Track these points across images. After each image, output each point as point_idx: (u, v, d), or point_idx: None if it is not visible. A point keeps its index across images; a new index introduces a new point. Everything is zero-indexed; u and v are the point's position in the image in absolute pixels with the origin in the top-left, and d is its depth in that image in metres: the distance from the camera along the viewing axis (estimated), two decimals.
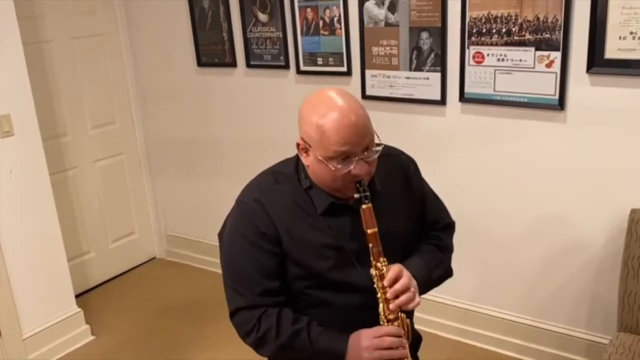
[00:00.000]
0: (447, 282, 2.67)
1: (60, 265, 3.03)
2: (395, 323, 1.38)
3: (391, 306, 1.36)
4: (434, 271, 1.54)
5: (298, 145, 1.40)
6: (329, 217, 1.43)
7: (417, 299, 1.39)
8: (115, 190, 3.73)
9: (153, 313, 3.37)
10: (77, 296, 3.25)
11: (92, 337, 3.17)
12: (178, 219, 3.91)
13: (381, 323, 1.39)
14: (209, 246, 3.70)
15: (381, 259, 1.35)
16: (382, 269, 1.35)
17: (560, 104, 2.33)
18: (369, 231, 1.34)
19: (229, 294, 1.48)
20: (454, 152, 2.67)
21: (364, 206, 1.34)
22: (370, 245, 1.35)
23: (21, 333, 2.88)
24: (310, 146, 1.36)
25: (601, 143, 2.31)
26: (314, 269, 1.43)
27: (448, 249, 1.64)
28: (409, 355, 1.38)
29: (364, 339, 1.37)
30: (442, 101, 2.61)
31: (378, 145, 1.37)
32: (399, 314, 1.38)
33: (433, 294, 2.85)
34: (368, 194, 1.34)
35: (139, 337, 3.16)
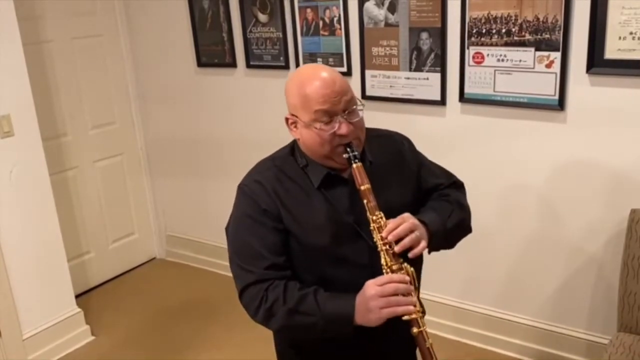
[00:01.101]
0: (447, 283, 2.67)
1: (60, 265, 3.03)
2: (400, 273, 1.38)
3: (396, 248, 1.36)
4: (447, 221, 1.52)
5: (287, 120, 1.48)
6: (326, 190, 1.48)
7: (423, 242, 1.40)
8: (115, 190, 3.73)
9: (153, 313, 3.37)
10: (77, 296, 3.25)
11: (92, 338, 3.17)
12: (178, 219, 3.91)
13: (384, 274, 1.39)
14: (209, 246, 3.70)
15: (377, 212, 1.39)
16: (380, 222, 1.38)
17: (560, 104, 2.33)
18: (362, 187, 1.40)
19: (237, 273, 1.51)
20: (453, 153, 2.67)
21: (354, 165, 1.40)
22: (365, 201, 1.39)
23: (21, 333, 2.88)
24: (296, 117, 1.44)
25: (601, 143, 2.31)
26: (315, 244, 1.46)
27: (458, 201, 1.62)
28: (417, 303, 1.37)
29: (369, 288, 1.37)
30: (442, 101, 2.61)
31: (361, 106, 1.44)
32: (403, 264, 1.38)
33: (433, 294, 2.86)
34: (356, 153, 1.41)
35: (139, 337, 3.16)
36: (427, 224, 1.44)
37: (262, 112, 3.23)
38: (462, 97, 2.55)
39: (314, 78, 1.40)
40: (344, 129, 1.39)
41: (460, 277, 2.81)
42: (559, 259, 2.54)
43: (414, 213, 1.55)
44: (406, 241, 1.37)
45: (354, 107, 1.42)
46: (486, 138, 2.57)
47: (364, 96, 2.79)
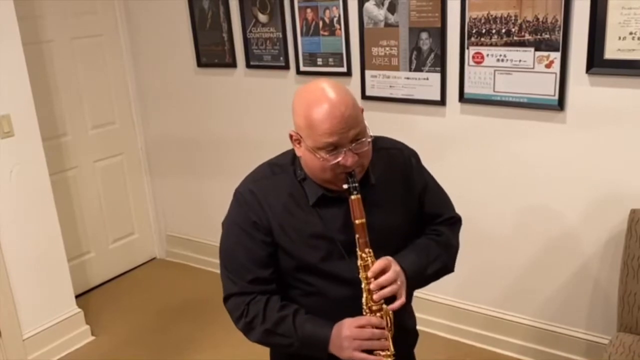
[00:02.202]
0: (446, 282, 2.67)
1: (60, 265, 3.03)
2: (378, 314, 1.38)
3: (374, 297, 1.36)
4: (429, 266, 1.51)
5: (291, 136, 1.43)
6: (321, 208, 1.45)
7: (403, 295, 1.38)
8: (115, 190, 3.73)
9: (153, 313, 3.37)
10: (77, 296, 3.25)
11: (92, 338, 3.17)
12: (178, 219, 3.91)
13: (364, 313, 1.39)
14: (209, 246, 3.70)
15: (366, 250, 1.37)
16: (367, 260, 1.37)
17: (560, 105, 2.33)
18: (357, 222, 1.36)
19: (223, 280, 1.53)
20: (453, 153, 2.67)
21: (352, 197, 1.36)
22: (357, 236, 1.37)
23: (21, 333, 2.88)
24: (301, 137, 1.39)
25: (601, 143, 2.31)
26: (304, 259, 1.45)
27: (448, 244, 1.58)
28: (390, 347, 1.38)
29: (345, 328, 1.38)
30: (442, 102, 2.61)
31: (369, 137, 1.38)
32: (383, 305, 1.38)
33: (433, 294, 2.86)
34: (357, 185, 1.36)
35: (139, 338, 3.16)
36: (405, 271, 1.42)
37: (262, 113, 3.23)
38: (462, 97, 2.55)
39: (323, 103, 1.31)
40: (349, 161, 1.33)
41: (460, 277, 2.79)
42: (559, 258, 2.54)
43: (415, 231, 1.56)
44: (386, 291, 1.36)
45: (363, 138, 1.35)
46: (486, 138, 2.57)
47: (363, 96, 2.79)
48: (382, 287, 1.36)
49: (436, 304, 2.89)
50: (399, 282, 1.38)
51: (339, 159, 1.34)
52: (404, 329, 1.58)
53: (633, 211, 2.15)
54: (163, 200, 3.92)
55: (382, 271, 1.37)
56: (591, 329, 2.54)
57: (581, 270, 2.50)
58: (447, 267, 1.59)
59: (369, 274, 1.36)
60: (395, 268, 1.39)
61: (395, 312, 1.41)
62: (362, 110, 1.42)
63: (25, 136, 2.82)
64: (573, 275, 2.52)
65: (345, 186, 1.37)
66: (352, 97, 1.37)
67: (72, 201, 3.49)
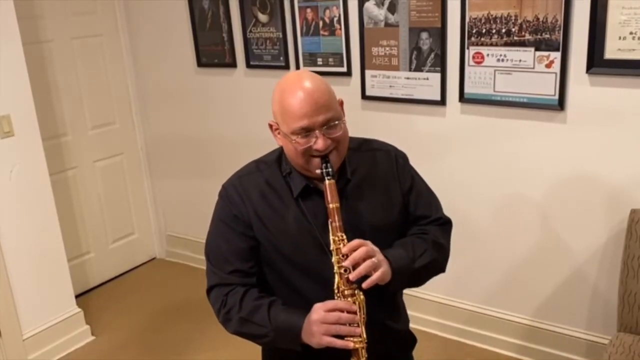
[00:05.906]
0: (447, 282, 2.67)
1: (60, 265, 3.03)
2: (350, 299, 1.34)
3: (351, 276, 1.32)
4: (416, 260, 1.46)
5: (271, 126, 1.48)
6: (304, 201, 1.46)
7: (379, 272, 1.34)
8: (115, 190, 3.73)
9: (153, 313, 3.37)
10: (77, 296, 3.25)
11: (92, 338, 3.17)
12: (178, 219, 3.91)
13: (335, 298, 1.36)
14: None
15: (339, 234, 1.35)
16: (340, 244, 1.35)
17: (560, 104, 2.33)
18: (330, 206, 1.36)
19: (207, 272, 1.56)
20: (453, 153, 2.67)
21: (326, 182, 1.37)
22: (330, 220, 1.37)
23: (21, 333, 2.88)
24: (278, 125, 1.44)
25: (601, 143, 2.31)
26: (283, 253, 1.46)
27: (435, 241, 1.54)
28: (362, 334, 1.33)
29: (314, 312, 1.36)
30: (442, 101, 2.61)
31: (343, 122, 1.41)
32: (356, 291, 1.35)
33: (432, 294, 2.86)
34: (331, 170, 1.38)
35: (139, 338, 3.16)
36: (390, 261, 1.39)
37: (262, 112, 3.22)
38: (462, 97, 2.55)
39: (296, 89, 1.37)
40: (320, 144, 1.36)
41: (460, 276, 2.81)
42: (559, 258, 2.54)
43: (399, 233, 1.54)
44: (361, 269, 1.31)
45: (335, 122, 1.38)
46: (486, 138, 2.57)
47: (364, 96, 2.79)
48: (356, 265, 1.32)
49: (437, 304, 2.89)
50: (374, 260, 1.34)
51: (311, 142, 1.37)
52: (390, 329, 1.56)
53: (633, 211, 2.15)
54: (163, 200, 3.92)
55: (358, 247, 1.34)
56: (591, 329, 2.54)
57: (581, 270, 2.50)
58: (436, 264, 1.54)
59: (344, 249, 1.33)
60: (372, 247, 1.36)
61: (374, 308, 1.39)
62: (342, 104, 1.46)
63: (25, 136, 2.82)
64: (573, 274, 2.53)
65: (318, 171, 1.39)
66: (327, 87, 1.40)
67: (72, 201, 3.49)
